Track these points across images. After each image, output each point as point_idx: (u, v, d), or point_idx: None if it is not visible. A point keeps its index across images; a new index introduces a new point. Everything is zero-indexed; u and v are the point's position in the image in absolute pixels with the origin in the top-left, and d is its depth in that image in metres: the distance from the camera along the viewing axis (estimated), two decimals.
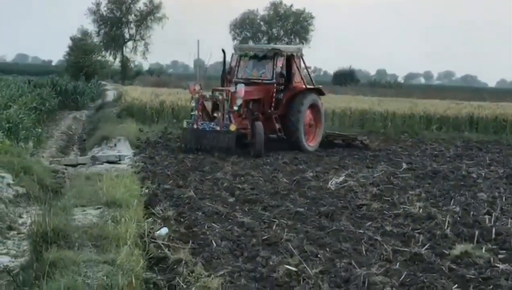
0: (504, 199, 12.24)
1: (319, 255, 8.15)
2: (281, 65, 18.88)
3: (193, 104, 18.20)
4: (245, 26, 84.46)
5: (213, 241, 8.66)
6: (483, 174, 15.70)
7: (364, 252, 8.41)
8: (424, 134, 26.65)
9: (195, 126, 17.69)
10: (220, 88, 18.52)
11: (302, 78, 19.84)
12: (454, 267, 7.79)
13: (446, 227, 9.80)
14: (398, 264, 7.95)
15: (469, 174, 15.56)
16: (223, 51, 19.55)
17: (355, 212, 10.83)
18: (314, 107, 19.67)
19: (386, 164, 16.81)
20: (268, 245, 8.68)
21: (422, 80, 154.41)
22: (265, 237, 8.95)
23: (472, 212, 10.97)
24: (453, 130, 27.79)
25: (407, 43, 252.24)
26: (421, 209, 10.95)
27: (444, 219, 10.22)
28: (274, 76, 18.91)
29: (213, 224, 9.67)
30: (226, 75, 19.30)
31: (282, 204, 11.17)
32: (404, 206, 11.27)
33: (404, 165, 16.51)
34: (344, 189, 12.85)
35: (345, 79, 72.86)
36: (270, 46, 20.83)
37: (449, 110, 29.47)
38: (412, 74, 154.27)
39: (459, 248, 8.46)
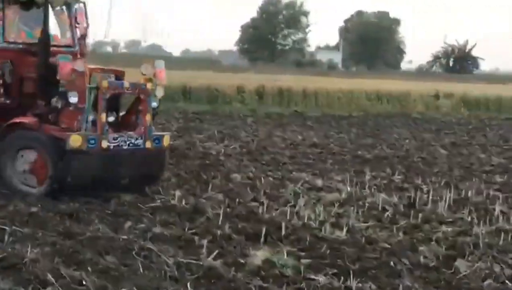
0: (262, 181, 10.95)
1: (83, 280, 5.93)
2: (84, 22, 10.82)
3: (74, 100, 9.22)
4: None
5: None
6: (222, 150, 14.42)
7: (141, 270, 6.36)
8: None
9: (104, 145, 9.29)
10: (104, 67, 10.13)
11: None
12: (264, 284, 6.11)
13: (219, 222, 8.12)
14: (190, 284, 6.06)
15: (208, 150, 14.20)
16: None
17: (105, 208, 8.68)
18: None
19: None
20: None
21: (109, 49, 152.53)
22: None
23: (238, 199, 9.47)
24: (166, 100, 26.38)
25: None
26: (182, 200, 9.18)
27: (215, 212, 8.54)
28: (75, 40, 10.74)
29: None
30: None
31: None
32: (160, 196, 9.41)
33: None
34: None
35: None
36: None
37: None
38: (99, 43, 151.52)
39: (258, 256, 6.80)
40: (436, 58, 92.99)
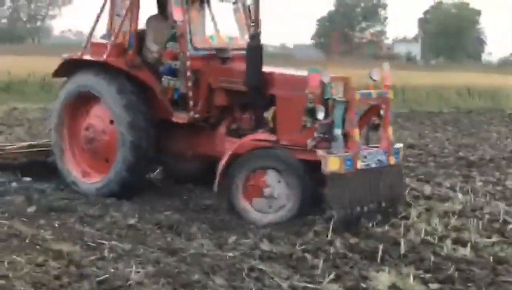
0: None
1: None
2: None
3: (322, 115, 8.08)
4: None
5: None
6: None
7: None
8: None
9: (358, 165, 8.04)
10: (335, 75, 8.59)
11: None
12: None
13: (329, 237, 7.48)
14: None
15: None
16: None
17: (205, 219, 8.19)
18: None
19: None
20: None
21: None
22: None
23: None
24: None
25: None
26: None
27: (323, 225, 7.86)
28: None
29: None
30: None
31: None
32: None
33: None
34: None
35: None
36: None
37: None
38: None
39: (379, 279, 6.14)
40: None
